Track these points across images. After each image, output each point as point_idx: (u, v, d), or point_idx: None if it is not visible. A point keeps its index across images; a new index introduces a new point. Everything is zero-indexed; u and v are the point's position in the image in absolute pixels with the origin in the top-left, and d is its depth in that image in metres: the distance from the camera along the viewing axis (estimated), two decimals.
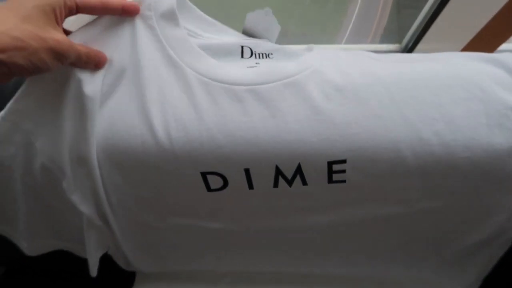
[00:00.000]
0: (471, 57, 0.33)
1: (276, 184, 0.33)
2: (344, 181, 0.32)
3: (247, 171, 0.32)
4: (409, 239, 0.38)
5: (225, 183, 0.33)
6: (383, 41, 0.80)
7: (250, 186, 0.33)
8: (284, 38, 0.43)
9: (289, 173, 0.32)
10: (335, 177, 0.32)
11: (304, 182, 0.32)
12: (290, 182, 0.33)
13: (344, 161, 0.31)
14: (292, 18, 1.03)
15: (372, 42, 1.09)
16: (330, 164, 0.31)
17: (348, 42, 1.07)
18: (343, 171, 0.31)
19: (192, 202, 0.35)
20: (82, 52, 0.30)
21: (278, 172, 0.32)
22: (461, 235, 0.37)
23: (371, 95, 0.31)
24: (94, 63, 0.31)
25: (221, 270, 0.47)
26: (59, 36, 0.28)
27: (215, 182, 0.33)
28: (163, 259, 0.44)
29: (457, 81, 0.31)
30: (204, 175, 0.32)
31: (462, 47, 0.56)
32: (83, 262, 0.40)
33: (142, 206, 0.36)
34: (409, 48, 0.68)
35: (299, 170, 0.32)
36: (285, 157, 0.32)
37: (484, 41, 0.53)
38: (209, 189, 0.33)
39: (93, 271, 0.39)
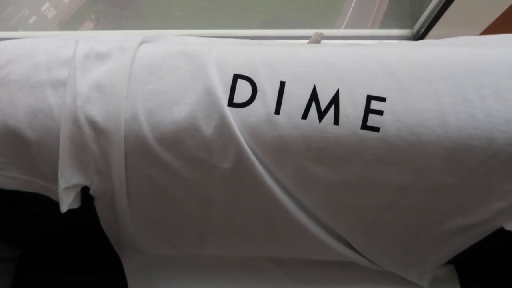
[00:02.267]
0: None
1: (305, 115, 0.31)
2: (378, 129, 0.31)
3: (282, 85, 0.32)
4: (402, 216, 0.38)
5: (254, 93, 0.32)
6: (387, 25, 0.79)
7: (277, 110, 0.32)
8: (283, 23, 0.43)
9: (325, 101, 0.31)
10: (371, 119, 0.31)
11: (336, 121, 0.31)
12: (322, 115, 0.31)
13: (384, 99, 0.31)
14: (291, 3, 1.01)
15: (372, 27, 1.08)
16: (369, 98, 0.30)
17: (348, 27, 1.06)
18: (381, 113, 0.30)
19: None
20: None
21: (314, 95, 0.31)
22: (449, 219, 0.37)
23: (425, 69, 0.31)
24: None
25: (208, 251, 0.46)
26: None
27: (242, 91, 0.32)
28: (159, 227, 0.43)
29: (506, 58, 0.32)
30: (236, 78, 0.32)
31: (480, 32, 0.55)
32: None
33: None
34: (421, 34, 0.66)
35: (335, 100, 0.31)
36: (326, 77, 0.31)
37: (508, 24, 0.52)
38: (231, 102, 0.32)
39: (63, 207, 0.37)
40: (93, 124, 0.33)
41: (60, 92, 0.34)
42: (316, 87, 0.31)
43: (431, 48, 0.33)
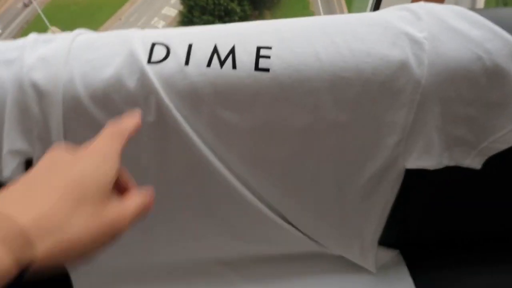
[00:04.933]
0: (391, 8, 0.41)
1: (209, 63, 0.36)
2: (268, 70, 0.35)
3: (190, 46, 0.37)
4: (318, 166, 0.39)
5: (168, 53, 0.37)
6: None
7: (187, 62, 0.36)
8: None
9: (224, 53, 0.36)
10: (261, 62, 0.36)
11: (234, 66, 0.36)
12: (222, 62, 0.36)
13: (270, 48, 0.37)
14: None
15: None
16: (258, 49, 0.36)
17: None
18: (268, 57, 0.36)
19: None
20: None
21: (215, 50, 0.37)
22: (359, 165, 0.39)
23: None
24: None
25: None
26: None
27: (159, 52, 0.37)
28: None
29: (369, 16, 0.38)
30: (153, 45, 0.37)
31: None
32: None
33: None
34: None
35: (232, 51, 0.36)
36: (224, 38, 0.37)
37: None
38: (149, 60, 0.36)
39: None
40: (36, 87, 0.37)
41: (8, 68, 0.37)
42: (217, 45, 0.37)
43: (314, 17, 0.40)
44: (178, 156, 0.38)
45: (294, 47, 0.36)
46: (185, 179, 0.40)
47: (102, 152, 0.24)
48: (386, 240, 0.44)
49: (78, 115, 0.36)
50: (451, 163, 0.37)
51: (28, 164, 0.38)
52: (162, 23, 4.18)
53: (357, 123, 0.36)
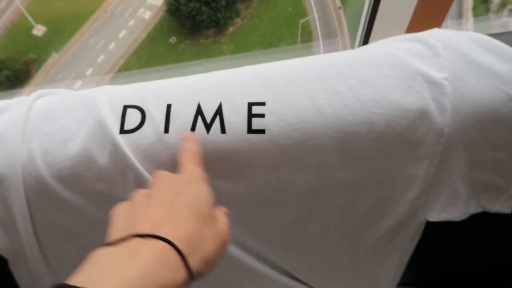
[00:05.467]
0: (396, 38, 0.36)
1: (193, 128, 0.32)
2: (263, 131, 0.32)
3: (168, 107, 0.33)
4: (327, 227, 0.37)
5: (143, 119, 0.33)
6: None
7: (166, 129, 0.32)
8: None
9: (209, 114, 0.32)
10: (255, 123, 0.32)
11: (223, 130, 0.32)
12: (208, 126, 0.32)
13: (263, 103, 0.32)
14: None
15: None
16: (250, 106, 0.32)
17: None
18: (262, 115, 0.32)
19: None
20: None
21: (199, 110, 0.33)
22: (374, 220, 0.37)
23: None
24: None
25: None
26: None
27: (132, 118, 0.33)
28: None
29: (372, 53, 0.34)
30: (125, 108, 0.33)
31: (404, 31, 0.59)
32: None
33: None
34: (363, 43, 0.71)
35: (219, 111, 0.32)
36: (208, 94, 0.33)
37: (422, 23, 0.55)
38: (122, 130, 0.33)
39: None
40: None
41: None
42: (200, 104, 0.33)
43: (306, 57, 0.36)
44: None
45: (291, 101, 0.32)
46: None
47: (197, 177, 0.26)
48: (404, 279, 0.42)
49: (44, 197, 0.33)
50: (478, 210, 0.35)
51: None
52: (148, 13, 4.12)
53: (370, 179, 0.33)
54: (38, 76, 3.52)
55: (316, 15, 3.74)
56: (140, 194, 0.26)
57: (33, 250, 0.35)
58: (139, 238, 0.22)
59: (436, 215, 0.35)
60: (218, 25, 4.77)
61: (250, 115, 0.32)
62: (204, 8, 4.10)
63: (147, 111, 0.34)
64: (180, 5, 4.65)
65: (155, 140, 0.33)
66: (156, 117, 0.33)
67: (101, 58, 3.71)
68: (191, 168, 0.28)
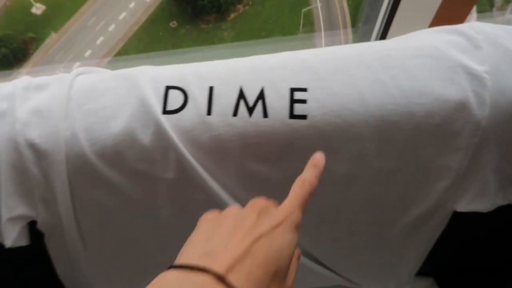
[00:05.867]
0: (435, 30, 0.37)
1: (236, 112, 0.33)
2: (305, 117, 0.33)
3: (211, 89, 0.33)
4: (357, 214, 0.38)
5: (186, 100, 0.33)
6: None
7: (209, 111, 0.33)
8: None
9: (252, 98, 0.33)
10: (297, 108, 0.33)
11: (265, 114, 0.33)
12: (251, 110, 0.33)
13: (305, 89, 0.33)
14: None
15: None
16: (292, 91, 0.33)
17: None
18: (304, 101, 0.33)
19: None
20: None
21: (241, 94, 0.33)
22: (402, 209, 0.37)
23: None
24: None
25: None
26: None
27: (174, 99, 0.33)
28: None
29: (412, 43, 0.35)
30: (167, 89, 0.33)
31: (428, 26, 0.59)
32: None
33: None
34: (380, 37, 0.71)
35: (261, 96, 0.33)
36: (250, 78, 0.33)
37: (446, 18, 0.56)
38: (165, 110, 0.33)
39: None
40: (32, 146, 0.34)
41: (1, 123, 0.35)
42: (242, 87, 0.34)
43: (347, 45, 0.36)
44: (201, 212, 0.36)
45: (334, 88, 0.32)
46: None
47: (293, 221, 0.24)
48: (420, 269, 0.44)
49: (85, 174, 0.34)
50: (505, 202, 0.35)
51: (32, 225, 0.35)
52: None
53: (404, 168, 0.34)
54: (36, 56, 3.48)
55: (319, 4, 3.72)
56: (231, 214, 0.25)
57: (70, 226, 0.36)
58: (211, 278, 0.21)
59: (464, 206, 0.36)
60: (219, 11, 4.73)
61: (292, 101, 0.33)
62: None
63: (189, 92, 0.34)
64: None
65: (198, 122, 0.33)
66: (198, 99, 0.34)
67: (100, 40, 3.67)
68: (293, 208, 0.26)
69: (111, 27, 4.32)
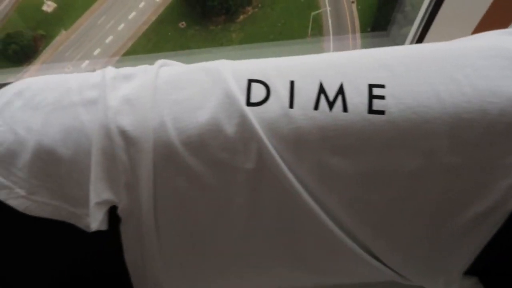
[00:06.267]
0: (499, 32, 0.41)
1: (317, 106, 0.35)
2: (383, 112, 0.35)
3: (292, 83, 0.36)
4: (421, 208, 0.41)
5: (268, 93, 0.35)
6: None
7: (291, 104, 0.35)
8: None
9: (331, 93, 0.35)
10: (375, 104, 0.35)
11: (345, 108, 0.35)
12: (331, 104, 0.35)
13: (383, 86, 0.36)
14: None
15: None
16: (370, 87, 0.35)
17: None
18: (383, 97, 0.35)
19: None
20: None
21: (321, 89, 0.35)
22: (464, 206, 0.40)
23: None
24: None
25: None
26: None
27: (257, 92, 0.35)
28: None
29: (481, 44, 0.38)
30: (250, 82, 0.36)
31: (471, 32, 0.60)
32: None
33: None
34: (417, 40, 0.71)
35: (341, 91, 0.35)
36: (329, 74, 0.36)
37: (493, 22, 0.56)
38: (248, 102, 0.35)
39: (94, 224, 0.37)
40: (124, 133, 0.37)
41: (91, 110, 0.38)
42: (322, 82, 0.37)
43: (416, 44, 0.38)
44: (273, 202, 0.39)
45: (410, 85, 0.35)
46: (275, 224, 0.41)
47: None
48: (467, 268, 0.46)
49: (169, 163, 0.36)
50: None
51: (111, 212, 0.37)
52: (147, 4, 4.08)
53: (473, 166, 0.37)
54: (46, 53, 3.49)
55: (328, 8, 3.74)
56: None
57: (149, 213, 0.39)
58: None
59: None
60: (228, 12, 4.76)
61: (371, 96, 0.36)
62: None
63: (271, 86, 0.37)
64: None
65: (281, 114, 0.36)
66: (280, 92, 0.36)
67: (109, 39, 3.68)
68: None
69: (121, 26, 4.36)
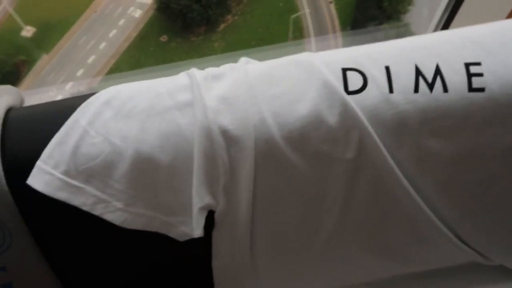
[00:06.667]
0: None
1: (417, 89, 0.34)
2: (483, 90, 0.33)
3: (387, 69, 0.34)
4: (502, 192, 0.38)
5: (365, 80, 0.34)
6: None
7: (391, 89, 0.34)
8: None
9: (429, 75, 0.34)
10: (475, 82, 0.34)
11: (445, 89, 0.34)
12: (431, 85, 0.34)
13: (479, 63, 0.34)
14: None
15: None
16: (467, 65, 0.34)
17: None
18: (481, 75, 0.34)
19: None
20: None
21: (418, 72, 0.34)
22: None
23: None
24: None
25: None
26: None
27: (354, 80, 0.34)
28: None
29: None
30: (344, 71, 0.34)
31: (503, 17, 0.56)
32: None
33: None
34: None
35: (438, 72, 0.34)
36: (423, 56, 0.34)
37: None
38: (347, 91, 0.34)
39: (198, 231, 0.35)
40: (225, 133, 0.34)
41: (188, 113, 0.35)
42: (417, 65, 0.35)
43: (498, 21, 0.38)
44: (367, 191, 0.36)
45: (506, 60, 0.34)
46: (366, 215, 0.38)
47: None
48: None
49: (270, 160, 0.34)
50: None
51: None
52: (139, 12, 4.09)
53: None
54: (28, 78, 3.48)
55: (307, 10, 3.75)
56: None
57: (247, 214, 0.36)
58: None
59: None
60: (209, 22, 4.76)
61: (469, 75, 0.34)
62: (194, 6, 4.10)
63: (367, 73, 0.35)
64: (171, 3, 4.60)
65: (381, 100, 0.34)
66: (378, 78, 0.34)
67: (91, 58, 3.68)
68: None
69: (102, 45, 4.30)
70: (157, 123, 0.34)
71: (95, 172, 0.35)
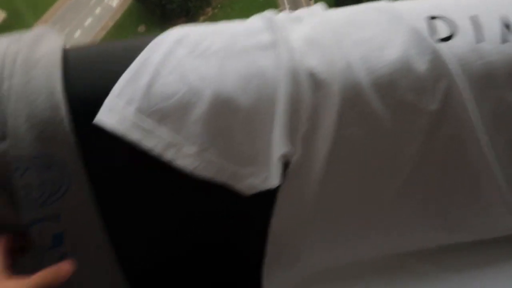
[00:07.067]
0: None
1: (504, 39, 0.33)
2: None
3: (473, 18, 0.33)
4: None
5: (453, 29, 0.33)
6: None
7: (478, 39, 0.33)
8: None
9: None
10: None
11: None
12: None
13: None
14: None
15: None
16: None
17: None
18: None
19: None
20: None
21: (504, 23, 0.33)
22: None
23: None
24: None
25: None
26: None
27: (441, 28, 0.33)
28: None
29: None
30: (430, 19, 0.33)
31: None
32: None
33: None
34: None
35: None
36: (508, 8, 0.34)
37: None
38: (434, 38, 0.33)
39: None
40: (312, 76, 0.32)
41: (270, 54, 0.32)
42: (503, 17, 0.34)
43: None
44: (444, 148, 0.35)
45: None
46: (436, 175, 0.36)
47: None
48: None
49: (354, 107, 0.33)
50: None
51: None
52: (116, 0, 3.92)
53: None
54: None
55: (287, 6, 3.77)
56: None
57: (321, 166, 0.35)
58: None
59: None
60: (188, 14, 4.66)
61: None
62: None
63: (455, 21, 0.34)
64: None
65: (470, 49, 0.33)
66: (466, 27, 0.33)
67: (66, 46, 3.50)
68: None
69: (77, 33, 4.06)
70: (236, 64, 0.32)
71: (170, 112, 0.32)
